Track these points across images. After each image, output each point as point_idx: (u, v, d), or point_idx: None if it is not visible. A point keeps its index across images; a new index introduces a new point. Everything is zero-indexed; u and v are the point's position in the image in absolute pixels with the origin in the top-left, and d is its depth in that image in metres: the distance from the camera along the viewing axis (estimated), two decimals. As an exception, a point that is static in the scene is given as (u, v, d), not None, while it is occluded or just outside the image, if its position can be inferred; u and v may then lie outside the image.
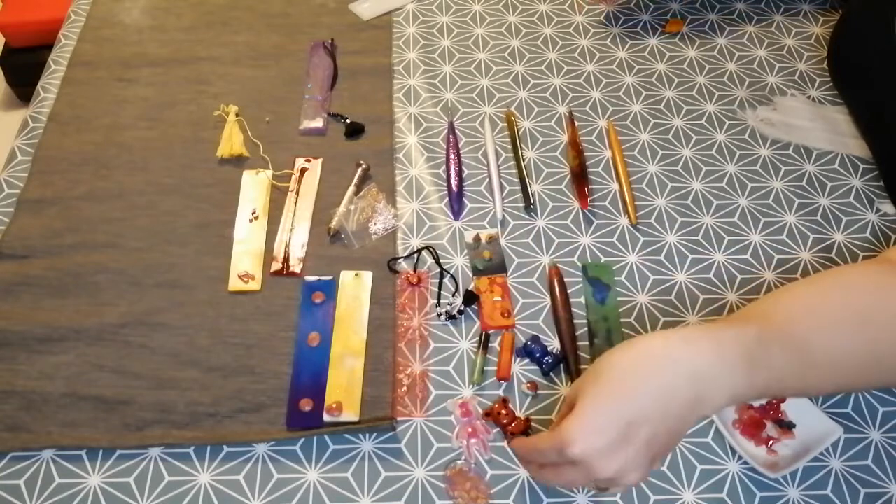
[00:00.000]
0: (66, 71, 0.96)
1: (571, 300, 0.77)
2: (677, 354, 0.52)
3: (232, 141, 0.87)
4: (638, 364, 0.52)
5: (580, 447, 0.50)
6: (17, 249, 0.78)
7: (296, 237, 0.80)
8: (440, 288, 0.78)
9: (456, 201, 0.84)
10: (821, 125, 0.93)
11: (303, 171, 0.86)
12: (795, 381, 0.55)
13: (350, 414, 0.68)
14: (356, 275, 0.77)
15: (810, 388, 0.58)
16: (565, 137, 0.91)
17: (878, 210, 0.86)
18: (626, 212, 0.84)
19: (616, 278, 0.79)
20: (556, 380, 0.72)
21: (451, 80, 0.97)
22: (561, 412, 0.57)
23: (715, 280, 0.79)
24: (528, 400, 0.71)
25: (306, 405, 0.69)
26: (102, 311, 0.74)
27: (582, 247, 0.81)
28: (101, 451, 0.66)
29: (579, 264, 0.80)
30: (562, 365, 0.73)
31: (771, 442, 0.67)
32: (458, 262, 0.80)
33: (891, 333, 0.55)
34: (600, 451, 0.50)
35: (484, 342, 0.73)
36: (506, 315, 0.75)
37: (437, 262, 0.79)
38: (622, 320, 0.76)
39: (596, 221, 0.84)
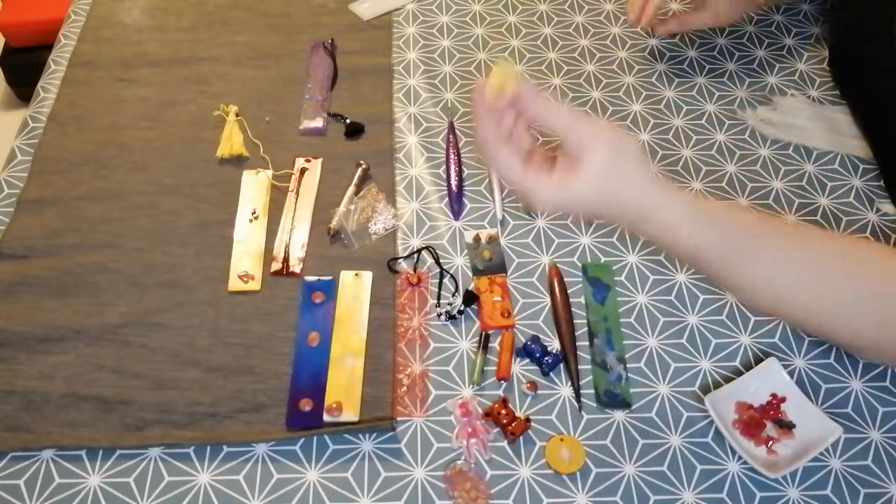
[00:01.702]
0: (66, 71, 0.96)
1: (571, 300, 0.77)
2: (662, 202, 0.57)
3: (232, 141, 0.87)
4: (628, 189, 0.56)
5: (540, 206, 0.56)
6: (17, 249, 0.78)
7: (296, 237, 0.80)
8: (440, 288, 0.78)
9: (456, 201, 0.84)
10: (821, 125, 0.93)
11: (303, 171, 0.86)
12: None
13: (350, 414, 0.68)
14: (356, 275, 0.77)
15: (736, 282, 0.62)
16: (565, 137, 0.91)
17: (878, 210, 0.86)
18: (626, 212, 0.84)
19: (616, 278, 0.79)
20: (556, 380, 0.72)
21: (451, 80, 0.97)
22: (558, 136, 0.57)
23: (715, 280, 0.79)
24: (528, 400, 0.71)
25: (306, 405, 0.69)
26: (102, 311, 0.74)
27: (582, 247, 0.81)
28: (101, 451, 0.66)
29: (579, 264, 0.80)
30: (562, 365, 0.73)
31: (771, 442, 0.67)
32: (458, 262, 0.80)
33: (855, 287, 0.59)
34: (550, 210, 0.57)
35: (484, 342, 0.73)
36: (506, 315, 0.75)
37: (437, 262, 0.79)
38: (622, 320, 0.76)
39: (596, 221, 0.84)
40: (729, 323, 0.76)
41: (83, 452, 0.66)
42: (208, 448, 0.67)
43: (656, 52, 1.01)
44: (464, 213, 0.84)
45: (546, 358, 0.72)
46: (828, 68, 0.99)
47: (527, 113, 0.56)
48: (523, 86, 0.54)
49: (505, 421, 0.68)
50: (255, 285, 0.77)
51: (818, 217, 0.85)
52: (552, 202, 0.55)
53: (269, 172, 0.85)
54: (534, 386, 0.71)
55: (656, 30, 1.01)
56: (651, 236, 0.59)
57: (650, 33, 1.03)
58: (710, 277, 0.66)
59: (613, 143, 0.55)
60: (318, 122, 0.91)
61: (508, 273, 0.79)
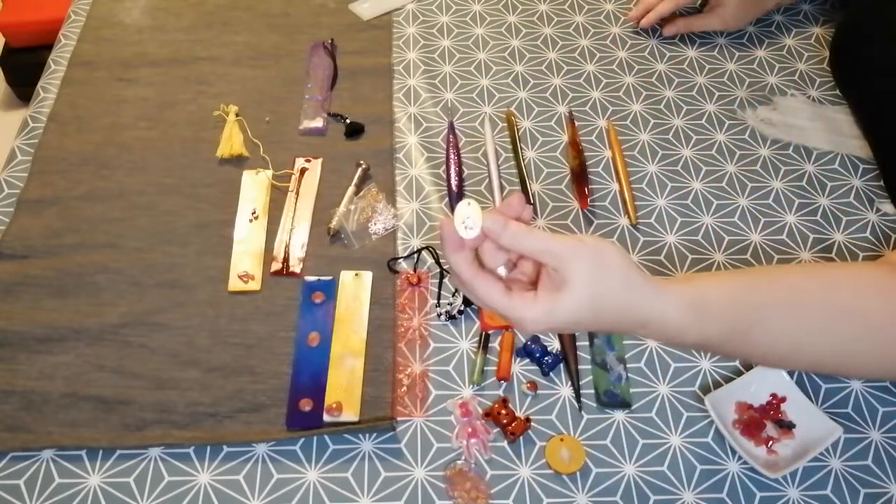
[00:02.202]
0: (66, 71, 0.96)
1: (571, 300, 0.76)
2: (656, 308, 0.54)
3: (232, 141, 0.87)
4: (616, 299, 0.53)
5: (530, 329, 0.53)
6: (17, 249, 0.78)
7: (296, 237, 0.80)
8: (440, 288, 0.78)
9: (456, 201, 0.84)
10: (821, 125, 0.93)
11: (303, 171, 0.86)
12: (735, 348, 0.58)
13: (350, 414, 0.68)
14: (356, 275, 0.77)
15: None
16: (565, 137, 0.91)
17: (878, 210, 0.86)
18: (626, 212, 0.84)
19: (616, 278, 0.79)
20: (556, 380, 0.72)
21: (451, 80, 0.97)
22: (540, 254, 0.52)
23: (715, 280, 0.79)
24: (528, 400, 0.71)
25: (306, 405, 0.69)
26: (102, 311, 0.74)
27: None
28: (101, 451, 0.66)
29: (579, 264, 0.80)
30: (562, 365, 0.73)
31: (771, 442, 0.67)
32: (458, 262, 0.80)
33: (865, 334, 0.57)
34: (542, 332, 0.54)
35: (484, 342, 0.73)
36: (506, 315, 0.75)
37: (437, 262, 0.79)
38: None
39: (596, 221, 0.84)
40: (729, 323, 0.76)
41: (83, 452, 0.66)
42: (208, 448, 0.67)
43: (656, 52, 1.02)
44: (464, 213, 0.84)
45: (546, 358, 0.72)
46: (828, 68, 0.99)
47: (499, 242, 0.52)
48: (488, 221, 0.51)
49: (505, 421, 0.68)
50: (255, 285, 0.77)
51: (818, 217, 0.85)
52: (543, 324, 0.52)
53: (269, 172, 0.85)
54: (534, 386, 0.71)
55: (663, 30, 1.02)
56: (654, 337, 0.58)
57: (650, 33, 1.03)
58: (717, 354, 0.69)
59: (594, 258, 0.52)
60: (318, 122, 0.91)
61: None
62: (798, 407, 0.69)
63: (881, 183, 0.88)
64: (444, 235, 0.52)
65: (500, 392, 0.71)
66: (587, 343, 0.74)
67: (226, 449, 0.67)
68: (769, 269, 0.70)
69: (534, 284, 0.54)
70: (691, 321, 0.54)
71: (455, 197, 0.84)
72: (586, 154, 0.89)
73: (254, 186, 0.84)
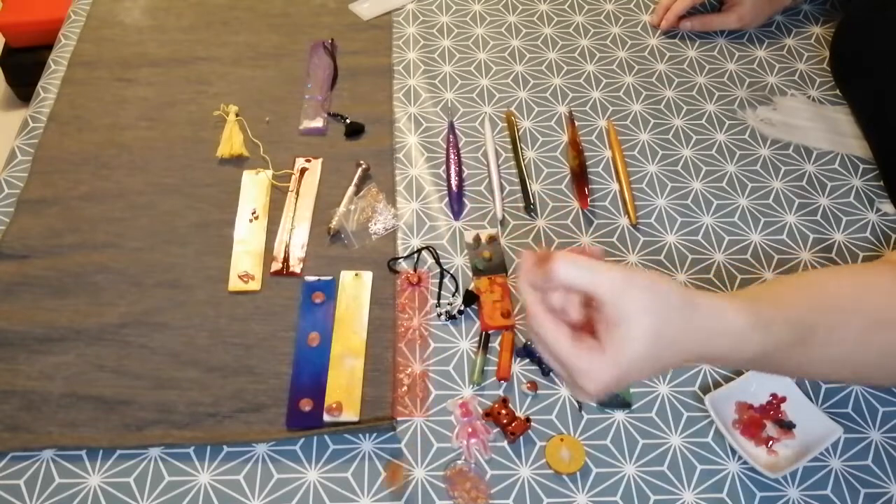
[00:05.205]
0: (66, 71, 0.96)
1: (571, 300, 0.76)
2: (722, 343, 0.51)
3: (232, 141, 0.87)
4: (681, 341, 0.49)
5: (594, 390, 0.48)
6: (17, 249, 0.78)
7: (296, 237, 0.80)
8: (440, 288, 0.78)
9: (456, 201, 0.84)
10: (821, 125, 0.93)
11: (303, 171, 0.86)
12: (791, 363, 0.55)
13: (350, 414, 0.68)
14: (356, 275, 0.77)
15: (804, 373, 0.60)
16: (565, 137, 0.91)
17: (878, 210, 0.86)
18: (626, 212, 0.84)
19: (616, 278, 0.79)
20: (556, 380, 0.72)
21: (451, 80, 0.97)
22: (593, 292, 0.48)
23: (715, 280, 0.79)
24: (528, 400, 0.71)
25: (306, 405, 0.69)
26: (102, 311, 0.74)
27: (582, 247, 0.81)
28: (101, 451, 0.66)
29: (579, 264, 0.80)
30: (562, 365, 0.73)
31: (771, 442, 0.67)
32: (458, 262, 0.80)
33: None
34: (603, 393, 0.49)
35: (484, 342, 0.73)
36: (506, 315, 0.75)
37: (438, 262, 0.79)
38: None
39: (596, 221, 0.84)
40: (729, 323, 0.76)
41: (83, 452, 0.66)
42: (208, 448, 0.67)
43: (656, 52, 1.02)
44: (464, 213, 0.84)
45: (546, 358, 0.72)
46: (828, 68, 0.99)
47: (549, 274, 0.48)
48: (532, 254, 0.49)
49: (505, 421, 0.68)
50: (255, 285, 0.77)
51: (818, 217, 0.85)
52: (606, 383, 0.48)
53: (269, 172, 0.85)
54: (534, 386, 0.71)
55: (679, 25, 1.03)
56: (714, 355, 0.52)
57: (651, 33, 1.03)
58: (773, 372, 0.65)
59: (647, 282, 0.48)
60: (318, 122, 0.91)
61: (508, 273, 0.79)
62: (798, 407, 0.69)
63: (881, 183, 0.88)
64: (523, 267, 0.50)
65: (500, 392, 0.71)
66: (587, 343, 0.74)
67: (226, 449, 0.67)
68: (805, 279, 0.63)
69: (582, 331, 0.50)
70: (756, 336, 0.51)
71: (455, 197, 0.84)
72: (586, 154, 0.89)
73: (254, 186, 0.84)
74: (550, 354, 0.50)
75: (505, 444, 0.68)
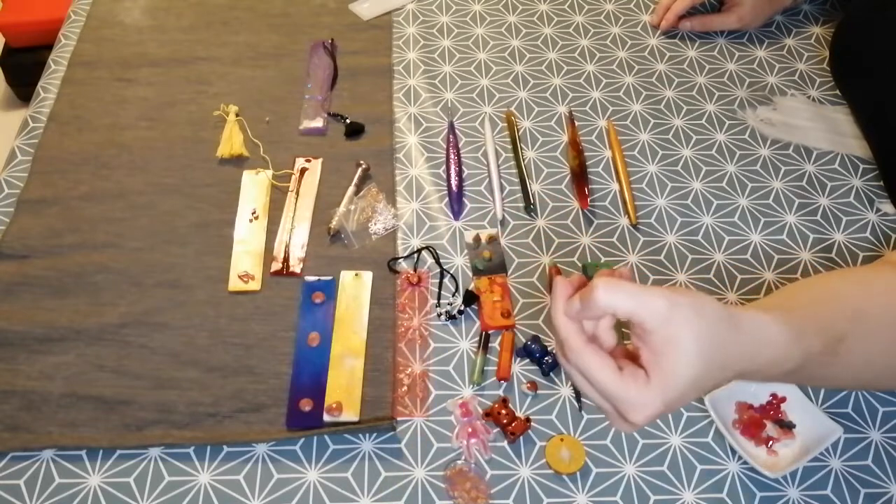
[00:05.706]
0: (66, 71, 0.96)
1: (571, 300, 0.76)
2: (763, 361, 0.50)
3: (232, 141, 0.87)
4: (727, 363, 0.48)
5: (642, 421, 0.46)
6: (17, 249, 0.78)
7: (296, 237, 0.80)
8: (440, 288, 0.78)
9: (456, 201, 0.84)
10: (821, 125, 0.93)
11: (303, 171, 0.86)
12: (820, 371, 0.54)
13: (350, 414, 0.68)
14: (356, 275, 0.77)
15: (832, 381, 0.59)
16: (565, 137, 0.91)
17: (878, 210, 0.86)
18: (626, 212, 0.84)
19: (616, 278, 0.79)
20: (556, 380, 0.72)
21: (451, 80, 0.97)
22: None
23: (715, 280, 0.79)
24: (528, 400, 0.71)
25: (306, 405, 0.69)
26: (102, 311, 0.74)
27: (582, 247, 0.81)
28: (101, 451, 0.66)
29: (579, 264, 0.80)
30: (562, 365, 0.73)
31: (771, 442, 0.67)
32: (458, 262, 0.80)
33: None
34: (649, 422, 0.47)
35: (484, 342, 0.73)
36: (506, 315, 0.75)
37: (438, 262, 0.79)
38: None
39: (596, 221, 0.84)
40: (729, 323, 0.76)
41: (83, 452, 0.66)
42: (208, 448, 0.67)
43: (656, 52, 1.02)
44: (464, 213, 0.84)
45: (546, 358, 0.72)
46: (828, 68, 0.99)
47: (591, 301, 0.46)
48: (567, 280, 0.47)
49: (505, 421, 0.68)
50: (255, 285, 0.77)
51: (818, 217, 0.85)
52: (655, 414, 0.46)
53: (269, 172, 0.85)
54: (534, 386, 0.71)
55: (679, 25, 1.03)
56: (760, 370, 0.51)
57: (651, 33, 1.03)
58: (808, 382, 0.63)
59: (699, 322, 0.45)
60: (318, 122, 0.91)
61: (508, 273, 0.79)
62: (798, 407, 0.69)
63: (881, 183, 0.88)
64: (559, 297, 0.47)
65: (500, 392, 0.71)
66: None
67: (226, 449, 0.67)
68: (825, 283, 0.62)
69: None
70: (792, 347, 0.49)
71: (455, 197, 0.84)
72: (586, 154, 0.89)
73: (254, 186, 0.84)
74: (595, 388, 0.47)
75: (505, 444, 0.68)
